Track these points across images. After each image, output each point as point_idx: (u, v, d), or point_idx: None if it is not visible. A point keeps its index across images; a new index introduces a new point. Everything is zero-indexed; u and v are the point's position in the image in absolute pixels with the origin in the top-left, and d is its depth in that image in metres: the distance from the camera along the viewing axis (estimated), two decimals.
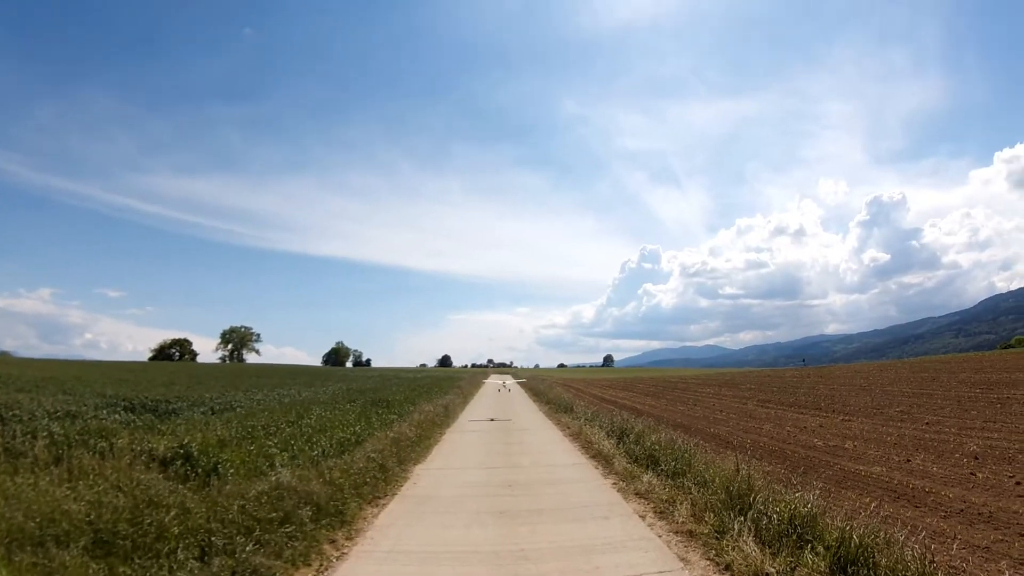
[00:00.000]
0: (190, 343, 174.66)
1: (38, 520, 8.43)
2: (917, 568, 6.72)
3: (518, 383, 62.03)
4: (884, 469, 14.70)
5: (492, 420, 23.13)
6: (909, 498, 12.07)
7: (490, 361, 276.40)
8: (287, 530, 9.64)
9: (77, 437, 15.21)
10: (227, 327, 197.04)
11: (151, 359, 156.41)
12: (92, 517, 8.75)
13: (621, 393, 56.56)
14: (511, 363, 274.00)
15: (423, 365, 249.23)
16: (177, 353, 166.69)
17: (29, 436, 15.01)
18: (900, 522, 9.92)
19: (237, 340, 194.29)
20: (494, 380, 68.52)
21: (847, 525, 7.99)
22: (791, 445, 19.76)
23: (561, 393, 48.12)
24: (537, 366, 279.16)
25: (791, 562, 7.53)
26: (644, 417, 27.06)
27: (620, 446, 18.14)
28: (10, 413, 19.05)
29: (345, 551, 9.80)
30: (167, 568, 7.56)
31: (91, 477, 11.25)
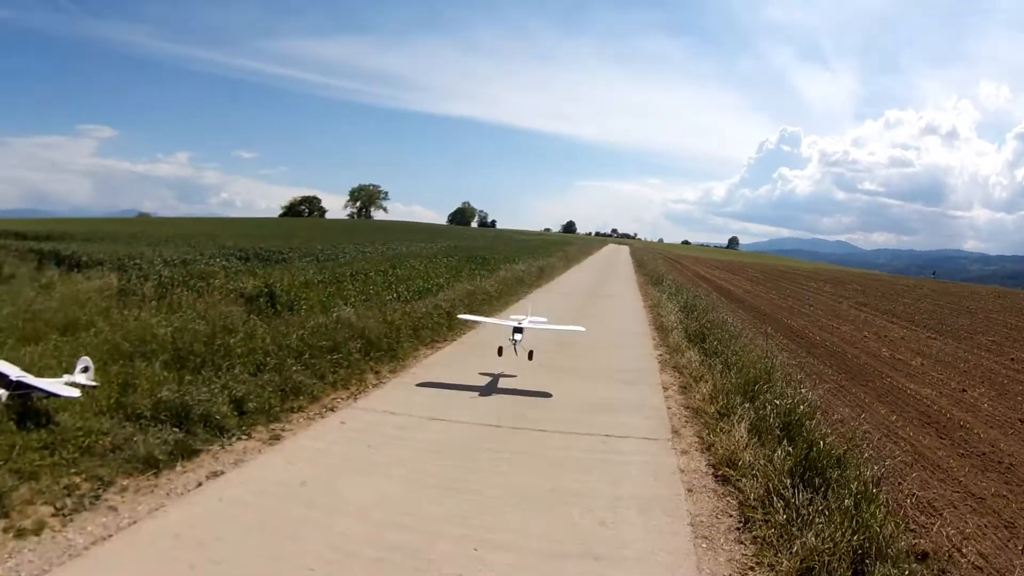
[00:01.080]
0: (319, 200, 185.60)
1: (132, 341, 10.68)
2: (860, 489, 6.83)
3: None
4: (934, 393, 14.38)
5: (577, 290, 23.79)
6: (939, 427, 11.76)
7: (614, 231, 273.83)
8: (334, 357, 11.49)
9: (181, 279, 18.00)
10: (356, 185, 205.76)
11: (281, 216, 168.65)
12: (175, 339, 10.89)
13: (724, 275, 56.87)
14: (635, 235, 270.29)
15: (547, 229, 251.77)
16: (306, 210, 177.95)
17: (142, 279, 18.04)
18: (913, 448, 10.16)
19: (365, 198, 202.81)
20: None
21: (822, 432, 8.34)
22: (856, 349, 19.71)
23: (660, 266, 49.24)
24: (661, 240, 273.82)
25: (765, 454, 8.05)
26: (732, 302, 27.36)
27: (684, 322, 18.99)
28: (132, 262, 22.56)
29: (384, 381, 11.60)
30: (224, 378, 9.47)
31: (184, 309, 13.66)
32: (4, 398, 7.32)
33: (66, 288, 16.29)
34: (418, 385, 11.45)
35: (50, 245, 29.16)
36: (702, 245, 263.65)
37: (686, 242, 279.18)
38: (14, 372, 7.67)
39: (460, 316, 13.18)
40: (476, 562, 5.63)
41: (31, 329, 11.27)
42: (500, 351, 12.31)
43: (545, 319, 14.02)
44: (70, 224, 60.77)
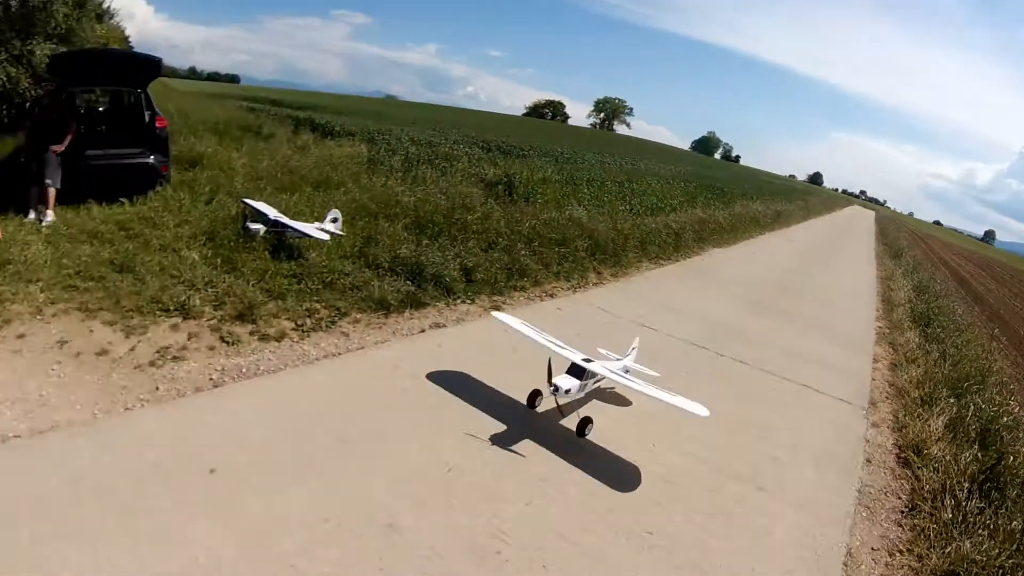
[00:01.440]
0: (563, 106, 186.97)
1: (378, 203, 11.92)
2: None
3: None
4: None
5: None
6: None
7: (862, 192, 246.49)
8: (561, 251, 12.05)
9: (427, 158, 19.45)
10: (601, 97, 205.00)
11: (524, 115, 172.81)
12: (416, 208, 11.94)
13: (968, 266, 50.79)
14: (884, 202, 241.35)
15: (791, 176, 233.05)
16: (549, 113, 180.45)
17: (390, 152, 19.72)
18: None
19: (610, 110, 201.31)
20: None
21: (1017, 449, 7.67)
22: None
23: (902, 240, 45.17)
24: (911, 214, 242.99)
25: (953, 452, 7.58)
26: (969, 295, 24.78)
27: (912, 300, 17.51)
28: (380, 137, 24.53)
29: (604, 282, 11.99)
30: (457, 248, 10.30)
31: (427, 184, 14.83)
32: (263, 231, 8.81)
33: (320, 151, 18.25)
34: (635, 292, 11.69)
35: (305, 113, 32.08)
36: (954, 230, 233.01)
37: (937, 223, 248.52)
38: (272, 212, 9.18)
39: (495, 314, 8.10)
40: (643, 454, 6.03)
41: (288, 181, 13.01)
42: (533, 399, 6.52)
43: (656, 375, 7.22)
44: (322, 98, 66.32)
